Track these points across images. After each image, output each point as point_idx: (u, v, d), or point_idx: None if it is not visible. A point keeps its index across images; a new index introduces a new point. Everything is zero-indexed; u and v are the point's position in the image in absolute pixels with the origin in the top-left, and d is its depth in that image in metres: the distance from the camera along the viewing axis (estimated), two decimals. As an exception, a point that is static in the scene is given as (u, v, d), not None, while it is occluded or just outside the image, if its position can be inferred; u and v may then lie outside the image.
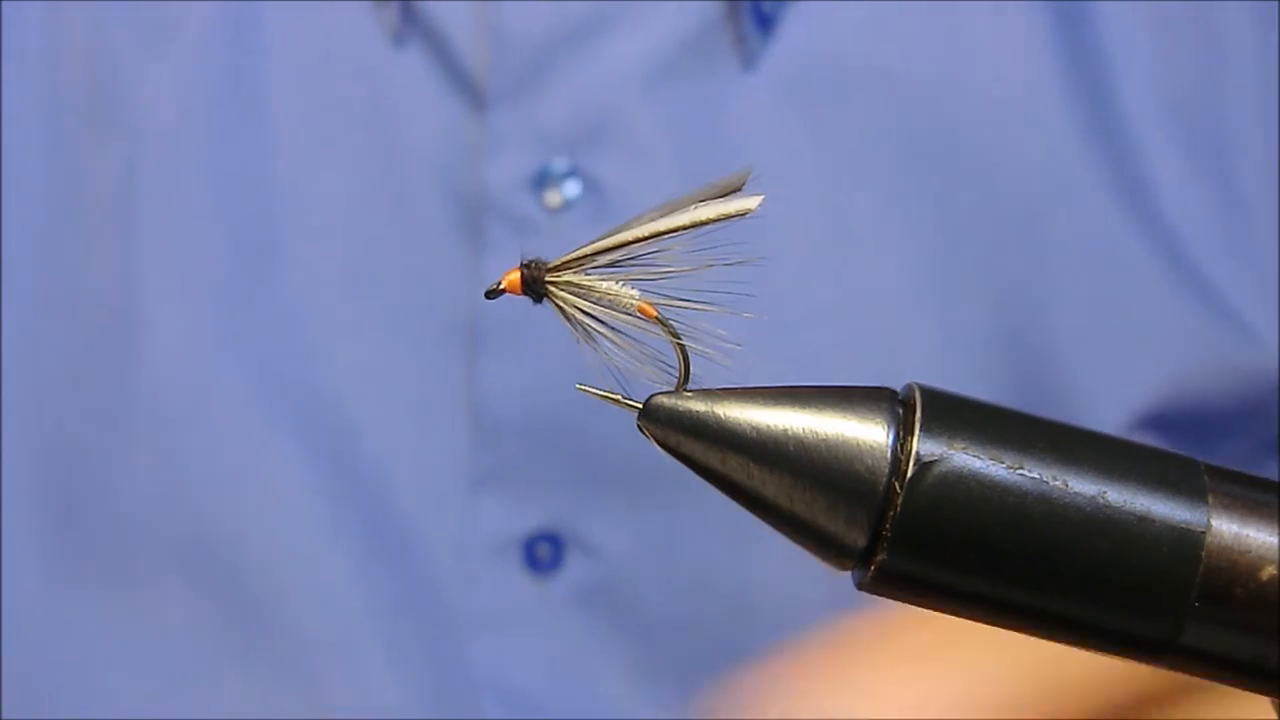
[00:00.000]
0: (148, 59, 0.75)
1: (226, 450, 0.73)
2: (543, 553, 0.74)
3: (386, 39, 0.75)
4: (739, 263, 0.32)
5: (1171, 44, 0.75)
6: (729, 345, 0.32)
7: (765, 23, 0.74)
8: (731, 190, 0.33)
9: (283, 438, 0.73)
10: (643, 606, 0.73)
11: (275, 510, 0.73)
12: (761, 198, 0.32)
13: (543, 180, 0.74)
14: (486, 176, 0.74)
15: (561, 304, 0.33)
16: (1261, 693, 0.29)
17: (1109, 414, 0.73)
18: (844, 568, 0.31)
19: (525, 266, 0.34)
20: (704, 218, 0.32)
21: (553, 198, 0.74)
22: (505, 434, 0.73)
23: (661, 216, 0.32)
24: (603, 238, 0.33)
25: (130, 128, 0.75)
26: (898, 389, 0.32)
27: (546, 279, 0.33)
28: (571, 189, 0.74)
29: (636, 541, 0.73)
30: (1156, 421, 0.74)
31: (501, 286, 0.34)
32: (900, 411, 0.31)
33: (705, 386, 0.32)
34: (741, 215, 0.32)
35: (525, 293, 0.34)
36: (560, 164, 0.74)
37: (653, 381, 0.32)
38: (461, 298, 0.74)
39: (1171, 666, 0.29)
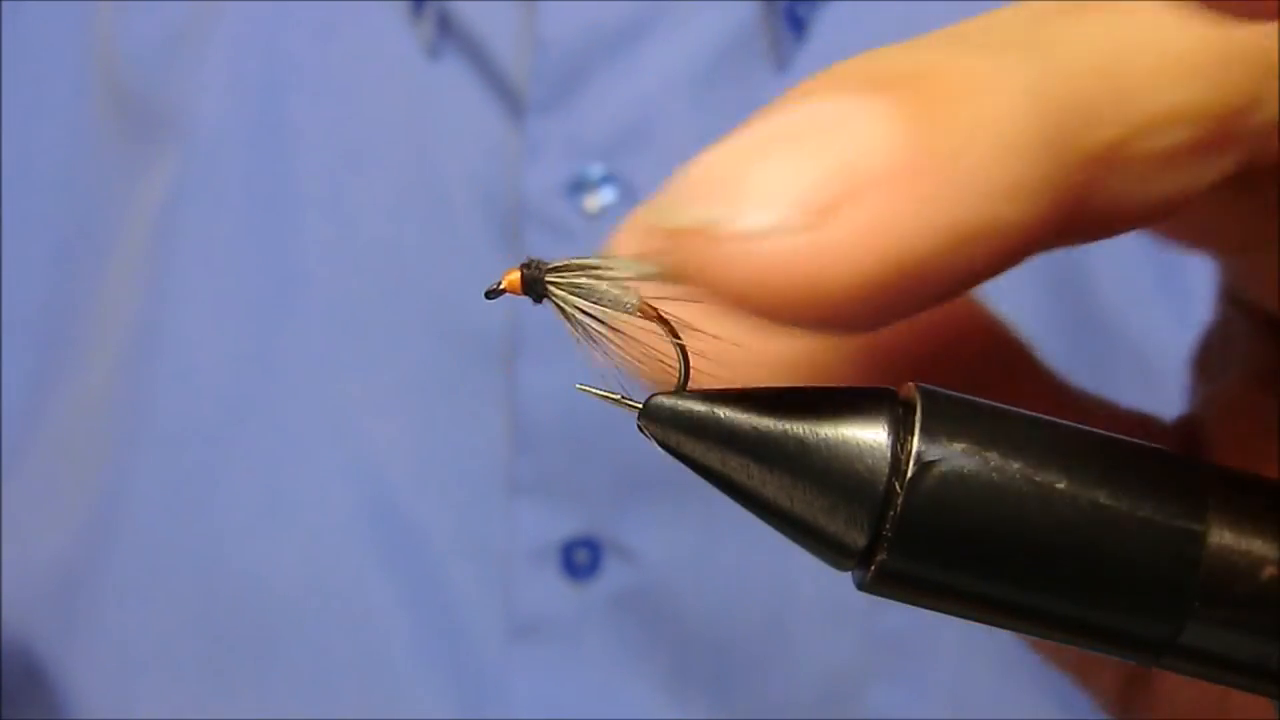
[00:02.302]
0: (179, 77, 0.77)
1: (255, 467, 0.74)
2: (581, 558, 0.74)
3: (422, 52, 0.76)
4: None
5: None
6: (730, 345, 0.32)
7: (798, 25, 0.74)
8: None
9: (313, 452, 0.74)
10: (679, 613, 0.73)
11: (304, 525, 0.73)
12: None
13: (580, 186, 0.74)
14: (524, 184, 0.74)
15: (562, 304, 0.34)
16: (1261, 693, 0.28)
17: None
18: (844, 568, 0.31)
19: (525, 266, 0.34)
20: None
21: (590, 203, 0.74)
22: (544, 440, 0.74)
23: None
24: (605, 245, 0.34)
25: (166, 146, 0.76)
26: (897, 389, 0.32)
27: (547, 279, 0.34)
28: (608, 195, 0.74)
29: (674, 547, 0.73)
30: None
31: (501, 286, 0.34)
32: (900, 411, 0.31)
33: (706, 386, 0.32)
34: None
35: (525, 292, 0.34)
36: (596, 170, 0.74)
37: (654, 382, 0.32)
38: (498, 305, 0.74)
39: (1171, 667, 0.29)
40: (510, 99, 0.75)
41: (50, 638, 0.75)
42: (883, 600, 0.33)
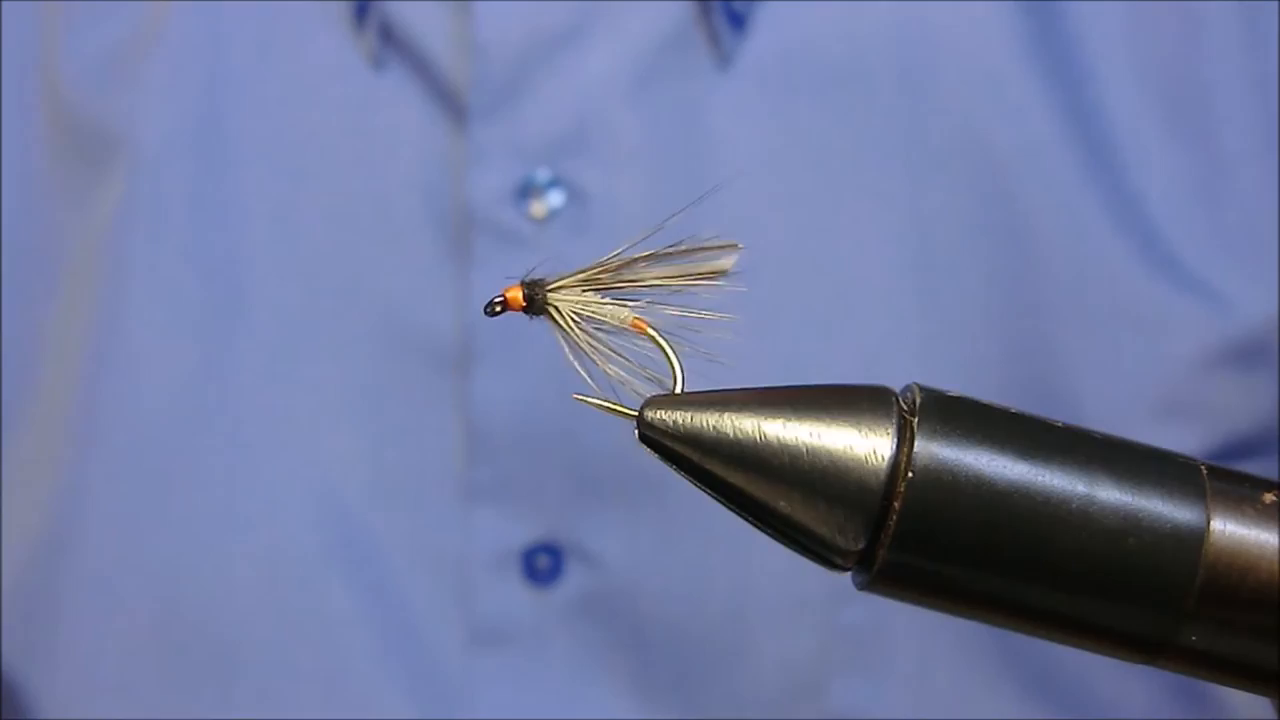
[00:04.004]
0: (121, 97, 0.76)
1: (210, 481, 0.73)
2: (542, 563, 0.74)
3: (366, 65, 0.75)
4: (721, 284, 0.33)
5: (1145, 17, 0.75)
6: (718, 356, 0.32)
7: (737, 21, 0.74)
8: (716, 252, 0.34)
9: (266, 464, 0.73)
10: (642, 613, 0.73)
11: (260, 537, 0.73)
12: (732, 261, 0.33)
13: (526, 191, 0.74)
14: (470, 191, 0.74)
15: (560, 320, 0.34)
16: (1261, 693, 0.29)
17: (1122, 403, 0.73)
18: (844, 569, 0.31)
19: (526, 285, 0.34)
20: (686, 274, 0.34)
21: (537, 208, 0.74)
22: (500, 446, 0.73)
23: (649, 264, 0.34)
24: (594, 265, 0.34)
25: (111, 165, 0.75)
26: (896, 388, 0.32)
27: (548, 295, 0.34)
28: (555, 199, 0.74)
29: (634, 549, 0.73)
30: (1180, 409, 0.73)
31: (502, 299, 0.35)
32: (900, 412, 0.31)
33: (700, 389, 0.32)
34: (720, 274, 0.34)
35: (525, 308, 0.35)
36: (543, 174, 0.74)
37: (647, 394, 0.33)
38: (450, 313, 0.74)
39: (1170, 666, 0.29)
40: (454, 106, 0.75)
41: (14, 651, 0.75)
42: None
